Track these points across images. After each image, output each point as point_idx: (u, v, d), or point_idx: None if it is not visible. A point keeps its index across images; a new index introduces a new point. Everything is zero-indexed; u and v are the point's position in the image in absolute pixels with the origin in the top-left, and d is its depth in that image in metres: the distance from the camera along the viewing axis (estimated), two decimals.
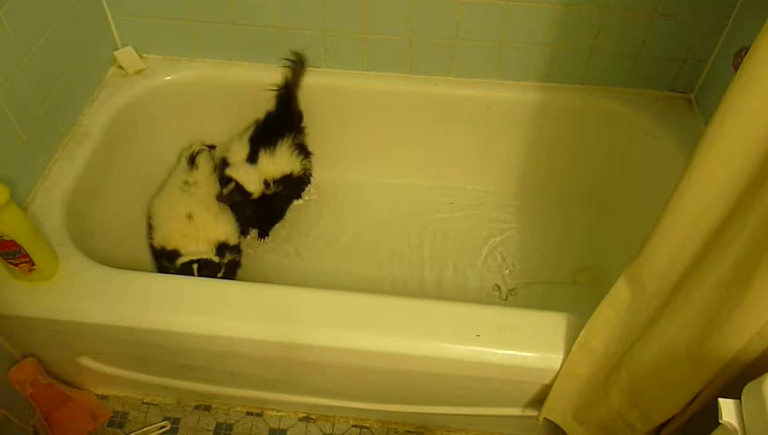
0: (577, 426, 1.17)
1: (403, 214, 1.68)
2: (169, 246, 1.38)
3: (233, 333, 1.09)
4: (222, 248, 1.39)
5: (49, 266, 1.12)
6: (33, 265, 1.07)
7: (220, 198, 1.45)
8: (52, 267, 1.13)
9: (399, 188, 1.72)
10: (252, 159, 1.49)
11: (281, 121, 1.54)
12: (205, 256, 1.36)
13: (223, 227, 1.44)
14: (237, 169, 1.47)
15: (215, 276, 1.34)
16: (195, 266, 1.33)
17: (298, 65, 1.51)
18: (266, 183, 1.49)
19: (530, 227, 1.66)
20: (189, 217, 1.41)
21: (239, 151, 1.50)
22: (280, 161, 1.51)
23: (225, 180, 1.47)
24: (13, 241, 1.02)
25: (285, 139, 1.51)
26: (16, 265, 1.07)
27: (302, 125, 1.58)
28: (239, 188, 1.46)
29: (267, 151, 1.49)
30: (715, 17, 1.35)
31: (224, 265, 1.38)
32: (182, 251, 1.37)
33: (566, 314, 1.09)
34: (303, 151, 1.58)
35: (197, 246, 1.37)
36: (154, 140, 1.58)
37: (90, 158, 1.34)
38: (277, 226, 1.65)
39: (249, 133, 1.53)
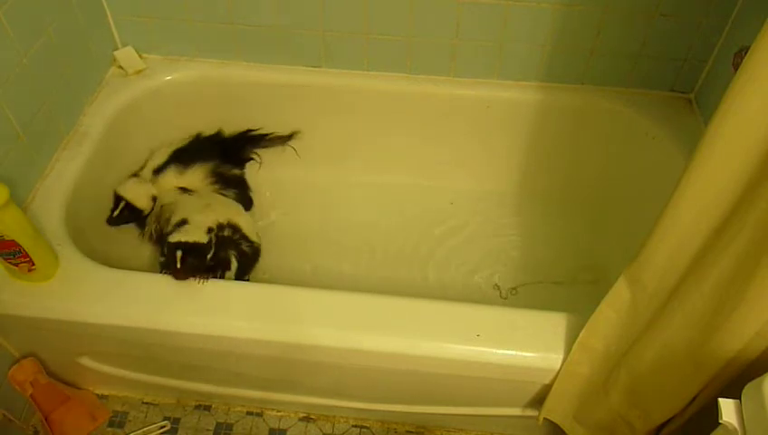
0: (577, 426, 1.17)
1: (403, 214, 1.68)
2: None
3: (232, 333, 1.09)
4: (220, 228, 1.32)
5: (49, 266, 1.12)
6: (33, 264, 1.07)
7: (110, 220, 1.39)
8: (53, 267, 1.13)
9: (400, 187, 1.72)
10: (160, 170, 1.47)
11: (220, 149, 1.56)
12: (192, 240, 1.21)
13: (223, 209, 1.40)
14: (125, 185, 1.42)
15: (204, 261, 1.21)
16: (179, 254, 1.16)
17: (285, 139, 1.57)
18: (154, 199, 1.44)
19: (530, 227, 1.66)
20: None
21: (157, 159, 1.49)
22: (185, 180, 1.48)
23: (116, 199, 1.40)
24: (13, 241, 1.02)
25: (207, 163, 1.51)
26: (16, 265, 1.07)
27: (243, 168, 1.62)
28: (129, 205, 1.40)
29: (179, 167, 1.48)
30: (715, 17, 1.35)
31: (213, 247, 1.24)
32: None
33: (566, 314, 1.09)
34: (224, 182, 1.54)
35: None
36: (154, 140, 1.58)
37: (90, 157, 1.34)
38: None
39: (180, 145, 1.53)
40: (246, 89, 1.57)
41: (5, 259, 1.06)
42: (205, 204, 1.40)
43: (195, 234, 1.22)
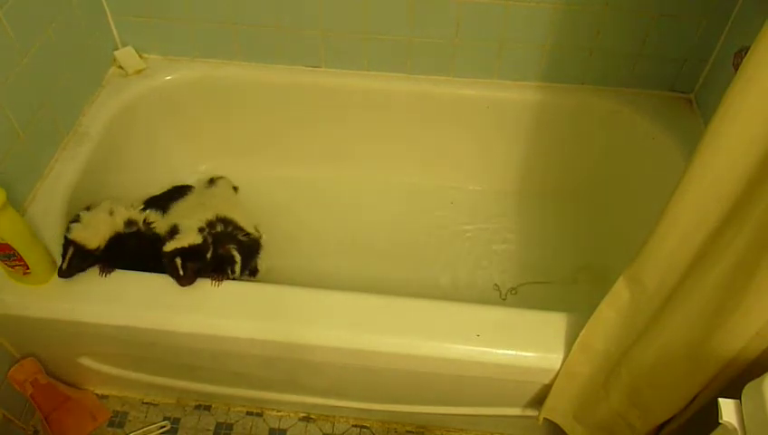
0: (577, 426, 1.17)
1: (403, 214, 1.68)
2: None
3: (232, 333, 1.09)
4: (211, 225, 1.28)
5: (44, 271, 1.11)
6: (28, 268, 1.07)
7: (61, 273, 1.12)
8: (48, 272, 1.12)
9: (399, 187, 1.72)
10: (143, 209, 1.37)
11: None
12: (187, 244, 1.17)
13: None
14: (77, 228, 1.16)
15: (203, 263, 1.18)
16: (178, 261, 1.13)
17: None
18: (130, 222, 1.26)
19: (530, 227, 1.66)
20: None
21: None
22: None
23: (65, 245, 1.14)
24: (8, 244, 1.02)
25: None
26: (12, 267, 1.06)
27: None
28: (78, 249, 1.13)
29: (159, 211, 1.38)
30: (715, 17, 1.35)
31: (210, 245, 1.20)
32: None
33: (566, 314, 1.09)
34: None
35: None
36: (154, 140, 1.59)
37: (90, 158, 1.34)
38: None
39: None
40: (247, 89, 1.57)
41: (1, 261, 1.06)
42: (198, 203, 1.39)
43: (188, 237, 1.19)
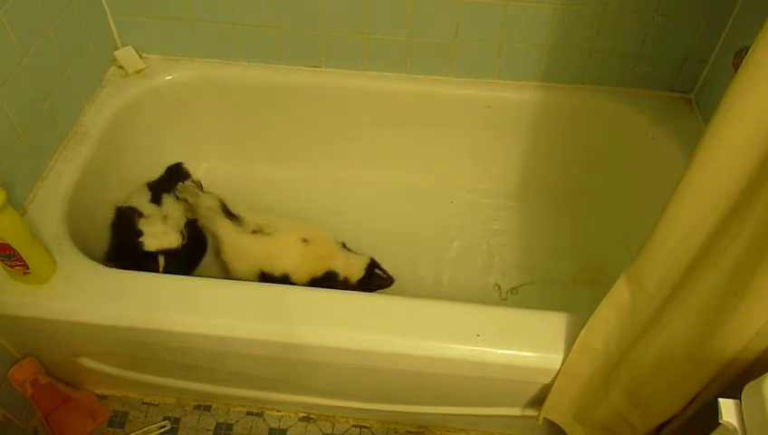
0: (577, 426, 1.17)
1: (402, 213, 1.68)
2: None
3: (233, 333, 1.09)
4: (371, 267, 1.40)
5: (44, 271, 1.11)
6: (28, 268, 1.07)
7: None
8: (48, 272, 1.12)
9: (399, 187, 1.72)
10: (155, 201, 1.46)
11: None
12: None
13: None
14: (148, 237, 1.30)
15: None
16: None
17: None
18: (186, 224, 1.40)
19: (530, 227, 1.66)
20: (305, 241, 1.40)
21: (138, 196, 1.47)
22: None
23: (151, 258, 1.27)
24: (8, 244, 1.02)
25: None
26: (12, 267, 1.06)
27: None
28: (168, 255, 1.29)
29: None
30: (715, 17, 1.35)
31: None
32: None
33: (566, 314, 1.09)
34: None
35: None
36: (154, 140, 1.59)
37: (90, 158, 1.34)
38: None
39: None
40: (246, 89, 1.57)
41: (1, 261, 1.06)
42: (301, 239, 1.39)
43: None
